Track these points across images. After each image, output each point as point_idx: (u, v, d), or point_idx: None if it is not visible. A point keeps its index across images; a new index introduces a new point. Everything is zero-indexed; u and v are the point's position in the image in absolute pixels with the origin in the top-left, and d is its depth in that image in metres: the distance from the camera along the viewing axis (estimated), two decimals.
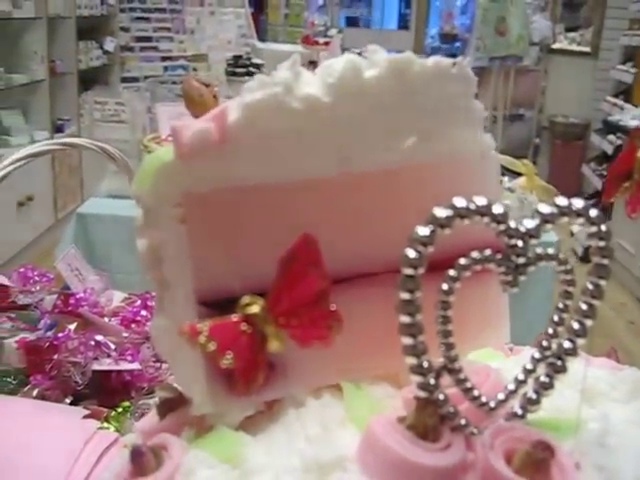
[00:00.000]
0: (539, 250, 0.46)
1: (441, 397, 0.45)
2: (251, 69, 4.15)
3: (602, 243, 0.47)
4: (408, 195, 0.52)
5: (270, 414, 0.53)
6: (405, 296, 0.42)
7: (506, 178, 2.66)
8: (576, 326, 0.48)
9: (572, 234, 4.72)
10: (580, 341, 0.49)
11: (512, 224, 0.44)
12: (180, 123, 0.47)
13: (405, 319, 0.42)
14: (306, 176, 0.50)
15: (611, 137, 4.52)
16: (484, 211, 0.42)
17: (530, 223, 0.44)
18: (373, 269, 0.52)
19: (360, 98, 0.50)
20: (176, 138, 0.47)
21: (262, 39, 5.16)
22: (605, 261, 0.47)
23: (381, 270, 0.52)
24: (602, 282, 0.48)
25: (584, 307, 0.48)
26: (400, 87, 0.51)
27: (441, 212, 0.42)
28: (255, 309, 0.39)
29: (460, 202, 0.42)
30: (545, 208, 0.45)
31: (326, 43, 4.54)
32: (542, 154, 5.95)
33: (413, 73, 0.52)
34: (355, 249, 0.52)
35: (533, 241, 0.45)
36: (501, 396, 0.48)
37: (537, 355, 0.49)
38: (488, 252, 0.44)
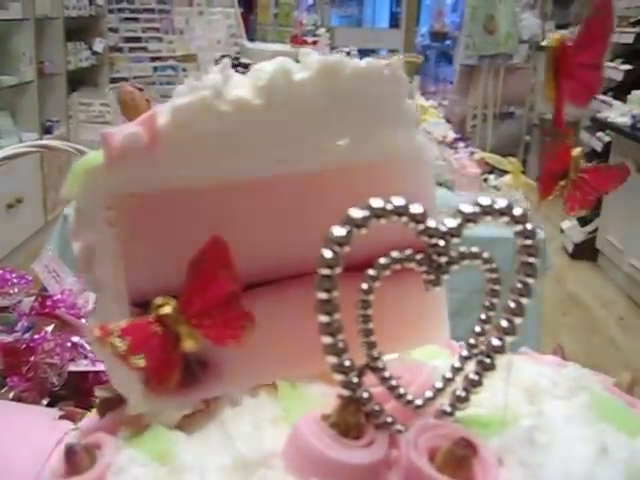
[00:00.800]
0: (463, 249, 0.47)
1: (365, 395, 0.45)
2: (239, 69, 4.15)
3: (528, 241, 0.47)
4: (341, 196, 0.52)
5: (208, 413, 0.53)
6: (322, 296, 0.42)
7: (492, 176, 2.67)
8: (505, 324, 0.49)
9: (562, 231, 4.74)
10: (509, 339, 0.49)
11: (431, 224, 0.44)
12: (110, 128, 0.48)
13: (324, 318, 0.43)
14: (238, 178, 0.51)
15: (600, 134, 4.53)
16: (401, 211, 0.43)
17: (451, 222, 0.45)
18: (307, 269, 0.53)
19: (291, 100, 0.51)
20: (106, 142, 0.48)
21: (252, 39, 5.15)
22: (532, 259, 0.48)
23: (315, 270, 0.52)
24: (530, 280, 0.48)
25: (513, 305, 0.49)
26: (332, 89, 0.52)
27: (357, 213, 0.42)
28: (167, 310, 0.40)
29: (377, 202, 0.43)
30: (467, 207, 0.45)
31: (314, 42, 4.55)
32: (533, 152, 5.96)
33: (345, 75, 0.52)
34: (289, 250, 0.52)
35: (455, 240, 0.45)
36: (429, 394, 0.49)
37: (465, 353, 0.50)
38: (408, 252, 0.45)
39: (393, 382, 0.47)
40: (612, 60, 5.01)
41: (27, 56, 3.76)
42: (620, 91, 4.69)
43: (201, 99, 0.49)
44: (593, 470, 0.47)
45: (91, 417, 0.56)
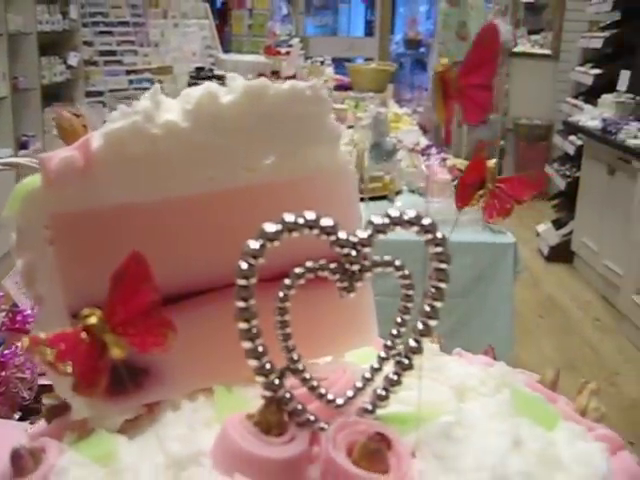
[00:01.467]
0: (377, 258, 0.51)
1: (286, 395, 0.49)
2: (213, 81, 4.19)
3: (438, 249, 0.51)
4: (269, 211, 0.56)
5: (150, 417, 0.57)
6: (240, 304, 0.46)
7: None
8: (420, 326, 0.53)
9: (537, 234, 4.81)
10: (425, 340, 0.53)
11: (342, 235, 0.48)
12: (47, 153, 0.51)
13: (242, 325, 0.46)
14: (170, 196, 0.54)
15: (572, 138, 4.61)
16: (312, 224, 0.47)
17: (362, 233, 0.49)
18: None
19: (218, 122, 0.55)
20: (43, 166, 0.51)
21: (227, 50, 5.21)
22: (443, 265, 0.52)
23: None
24: (442, 285, 0.52)
25: (427, 309, 0.52)
26: (256, 110, 0.56)
27: (270, 227, 0.46)
28: (93, 320, 0.43)
29: (289, 217, 0.46)
30: (377, 219, 0.49)
31: (288, 53, 4.60)
32: (508, 156, 6.03)
33: (269, 97, 0.56)
34: (222, 262, 0.56)
35: (366, 249, 0.49)
36: (349, 393, 0.52)
37: (383, 354, 0.53)
38: (322, 261, 0.49)
39: (314, 383, 0.51)
40: (582, 65, 5.10)
41: (0, 72, 3.78)
42: (590, 95, 4.78)
43: (132, 123, 0.53)
44: (505, 461, 0.50)
45: (40, 424, 0.59)
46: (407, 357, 0.53)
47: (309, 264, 0.48)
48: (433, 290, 0.52)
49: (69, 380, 0.53)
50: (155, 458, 0.50)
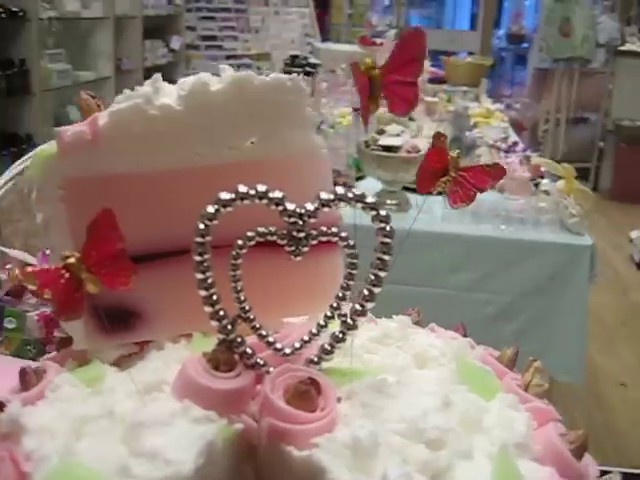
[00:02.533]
0: (324, 228, 0.59)
1: (237, 339, 0.58)
2: (307, 69, 4.30)
3: (383, 224, 0.59)
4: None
5: (140, 354, 0.67)
6: (197, 258, 0.55)
7: (546, 180, 2.70)
8: (366, 292, 0.60)
9: (631, 240, 4.66)
10: (369, 305, 0.61)
11: (290, 206, 0.56)
12: (63, 127, 0.62)
13: (199, 276, 0.56)
14: (163, 167, 0.64)
15: None
16: (262, 195, 0.55)
17: (309, 206, 0.57)
18: (224, 242, 0.65)
19: (207, 107, 0.64)
20: (59, 137, 0.62)
21: (325, 39, 5.31)
22: (387, 239, 0.59)
23: (223, 244, 0.65)
24: (385, 257, 0.59)
25: (372, 277, 0.60)
26: (242, 97, 0.65)
27: (225, 195, 0.55)
28: (72, 260, 0.53)
29: (242, 188, 0.55)
30: (324, 194, 0.57)
31: (382, 43, 4.64)
32: (607, 158, 5.85)
33: (253, 86, 0.65)
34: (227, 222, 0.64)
35: (312, 220, 0.57)
36: (297, 344, 0.61)
37: (329, 314, 0.61)
38: (272, 228, 0.57)
39: (262, 332, 0.59)
40: None
41: (106, 53, 4.03)
42: None
43: (134, 105, 0.63)
44: (427, 416, 0.57)
45: (52, 353, 0.70)
46: (352, 319, 0.61)
47: (260, 229, 0.57)
48: (378, 261, 0.59)
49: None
50: (130, 384, 0.60)
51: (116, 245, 0.52)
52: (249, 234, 0.57)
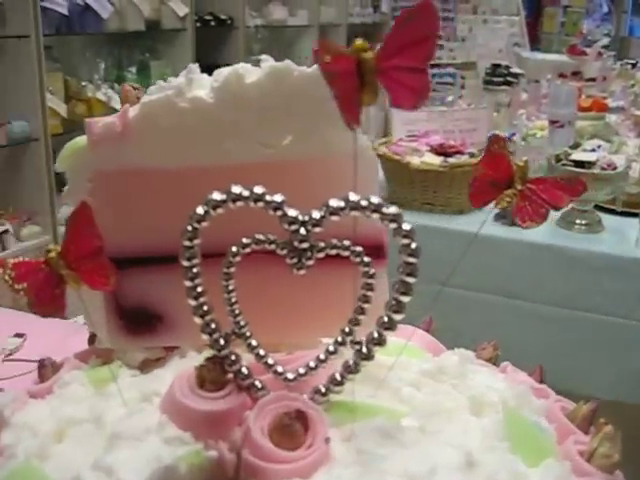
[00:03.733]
0: (335, 241, 0.51)
1: (231, 357, 0.52)
2: (509, 78, 4.10)
3: (406, 241, 0.50)
4: (281, 188, 0.59)
5: (164, 360, 0.64)
6: (185, 263, 0.50)
7: None
8: (385, 319, 0.52)
9: None
10: (387, 333, 0.52)
11: (291, 212, 0.49)
12: (94, 118, 0.60)
13: (188, 283, 0.51)
14: (193, 165, 0.60)
15: None
16: (258, 198, 0.49)
17: (315, 213, 0.49)
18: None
19: (241, 100, 0.59)
20: (89, 129, 0.60)
21: (535, 48, 5.04)
22: (412, 259, 0.50)
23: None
24: (410, 279, 0.50)
25: (393, 302, 0.51)
26: (279, 91, 0.59)
27: (216, 195, 0.49)
28: (52, 254, 0.50)
29: (236, 189, 0.49)
30: (334, 202, 0.50)
31: (598, 53, 4.30)
32: None
33: (292, 78, 0.58)
34: (233, 228, 0.60)
35: (317, 229, 0.50)
36: (301, 370, 0.53)
37: (339, 339, 0.53)
38: (272, 236, 0.51)
39: (260, 351, 0.53)
40: None
41: (309, 59, 4.14)
42: None
43: (165, 97, 0.59)
44: (434, 474, 0.47)
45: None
46: (368, 347, 0.52)
47: (258, 236, 0.50)
48: (399, 285, 0.51)
49: (97, 314, 0.63)
50: (132, 392, 0.57)
51: (94, 242, 0.49)
52: (245, 241, 0.51)
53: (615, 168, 2.08)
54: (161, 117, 0.59)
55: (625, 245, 1.91)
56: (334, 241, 0.51)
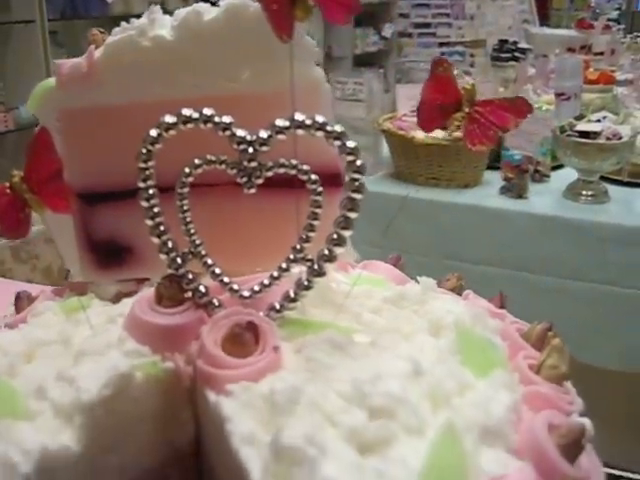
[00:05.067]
0: (282, 160, 0.53)
1: (188, 276, 0.54)
2: (516, 54, 4.08)
3: (351, 157, 0.52)
4: (246, 119, 0.60)
5: (136, 293, 0.66)
6: (141, 185, 0.52)
7: None
8: (334, 236, 0.54)
9: None
10: (337, 250, 0.54)
11: (239, 132, 0.51)
12: (62, 60, 0.63)
13: (144, 204, 0.53)
14: (158, 99, 0.62)
15: None
16: (207, 119, 0.51)
17: (262, 133, 0.52)
18: (212, 181, 0.62)
19: (200, 37, 0.61)
20: (58, 70, 0.63)
21: (545, 24, 5.01)
22: (357, 175, 0.52)
23: (219, 182, 0.62)
24: (357, 195, 0.52)
25: (341, 219, 0.53)
26: (236, 26, 0.61)
27: (168, 118, 0.51)
28: (15, 179, 0.53)
29: (186, 111, 0.51)
30: (280, 121, 0.52)
31: (606, 27, 4.26)
32: None
33: (248, 14, 0.60)
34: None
35: (264, 148, 0.52)
36: (256, 287, 0.56)
37: (291, 257, 0.55)
38: (223, 157, 0.53)
39: (216, 270, 0.55)
40: None
41: (315, 39, 4.14)
42: None
43: (128, 37, 0.62)
44: (377, 380, 0.49)
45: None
46: (319, 264, 0.54)
47: (209, 157, 0.53)
48: (346, 201, 0.53)
49: (69, 249, 0.65)
50: (99, 316, 0.59)
51: (53, 166, 0.51)
52: (196, 162, 0.53)
53: (620, 138, 2.07)
54: (124, 56, 0.62)
55: (632, 215, 1.91)
56: (282, 160, 0.53)
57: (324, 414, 0.47)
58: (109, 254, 0.65)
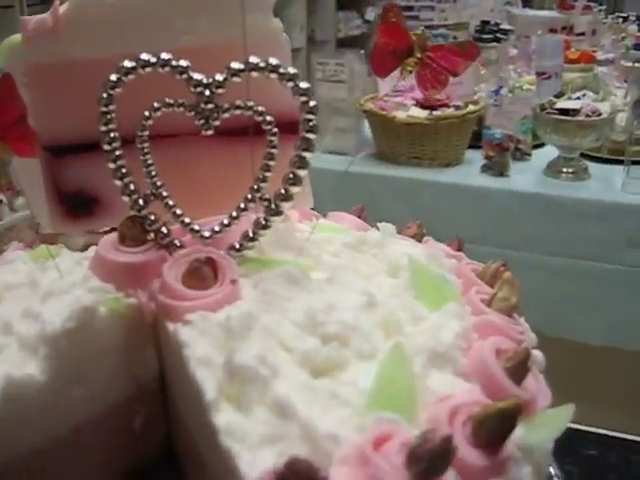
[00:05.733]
0: (238, 102, 0.55)
1: (151, 217, 0.56)
2: (498, 35, 4.09)
3: (303, 98, 0.54)
4: (205, 70, 0.62)
5: None
6: (103, 128, 0.54)
7: None
8: (290, 176, 0.56)
9: None
10: (293, 189, 0.56)
11: (196, 76, 0.53)
12: (28, 17, 0.64)
13: (106, 147, 0.55)
14: (121, 53, 0.64)
15: None
16: (164, 63, 0.53)
17: (218, 76, 0.53)
18: (172, 131, 0.64)
19: None
20: (23, 25, 0.64)
21: (528, 5, 5.02)
22: (310, 116, 0.54)
23: (178, 132, 0.63)
24: (311, 135, 0.54)
25: (295, 160, 0.55)
26: None
27: (127, 63, 0.53)
28: None
29: (145, 56, 0.53)
30: (235, 64, 0.54)
31: (587, 7, 4.28)
32: None
33: None
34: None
35: (220, 91, 0.54)
36: (216, 227, 0.57)
37: (248, 196, 0.57)
38: (180, 100, 0.54)
39: (177, 210, 0.57)
40: None
41: (299, 24, 4.14)
42: None
43: None
44: (331, 310, 0.51)
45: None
46: (276, 204, 0.56)
47: (167, 100, 0.54)
48: (300, 142, 0.54)
49: (38, 201, 0.67)
50: (68, 263, 0.61)
51: (17, 111, 0.53)
52: (156, 105, 0.55)
53: (600, 115, 2.10)
54: (88, 11, 0.63)
55: (611, 191, 1.93)
56: (238, 102, 0.55)
57: (278, 340, 0.49)
58: (77, 205, 0.67)
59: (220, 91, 0.54)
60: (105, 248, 0.55)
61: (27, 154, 0.56)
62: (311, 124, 0.54)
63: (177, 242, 0.57)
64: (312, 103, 0.53)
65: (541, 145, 2.23)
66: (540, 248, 1.94)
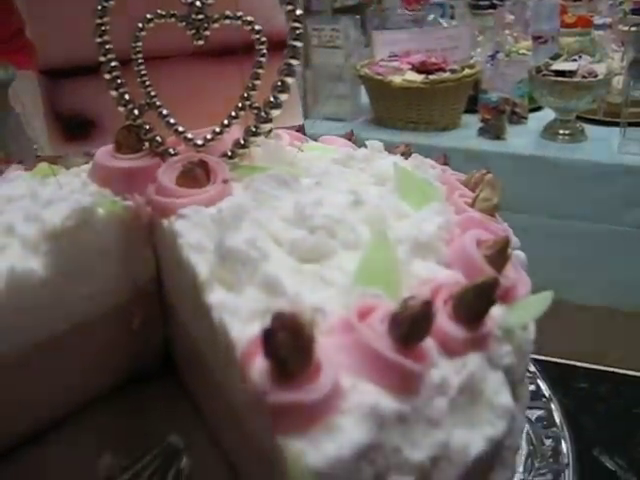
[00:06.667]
0: (228, 12, 0.57)
1: (146, 126, 0.59)
2: (495, 1, 4.08)
3: (289, 7, 0.56)
4: None
5: None
6: (98, 40, 0.57)
7: None
8: (279, 83, 0.58)
9: None
10: (282, 97, 0.58)
11: None
12: None
13: (102, 58, 0.57)
14: None
15: None
16: None
17: None
18: (166, 53, 0.65)
19: None
20: None
21: None
22: (297, 24, 0.56)
23: (172, 54, 0.65)
24: (294, 62, 0.56)
25: (284, 67, 0.58)
26: None
27: None
28: None
29: None
30: None
31: None
32: None
33: None
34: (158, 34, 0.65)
35: (210, 1, 0.56)
36: (208, 136, 0.60)
37: (239, 105, 0.59)
38: (173, 11, 0.57)
39: (171, 120, 0.59)
40: None
41: None
42: None
43: None
44: (318, 205, 0.53)
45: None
46: (265, 111, 0.58)
47: (160, 11, 0.56)
48: (284, 66, 0.57)
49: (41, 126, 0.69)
50: (67, 178, 0.63)
51: (14, 25, 0.55)
52: (148, 16, 0.57)
53: (596, 76, 2.10)
54: None
55: (608, 152, 1.94)
56: (227, 12, 0.57)
57: (267, 232, 0.51)
58: (75, 127, 0.69)
59: (210, 1, 0.56)
60: (102, 156, 0.58)
61: (26, 65, 0.58)
62: (297, 32, 0.56)
63: (171, 150, 0.59)
64: (298, 12, 0.55)
65: (538, 109, 2.24)
66: (538, 210, 1.96)
